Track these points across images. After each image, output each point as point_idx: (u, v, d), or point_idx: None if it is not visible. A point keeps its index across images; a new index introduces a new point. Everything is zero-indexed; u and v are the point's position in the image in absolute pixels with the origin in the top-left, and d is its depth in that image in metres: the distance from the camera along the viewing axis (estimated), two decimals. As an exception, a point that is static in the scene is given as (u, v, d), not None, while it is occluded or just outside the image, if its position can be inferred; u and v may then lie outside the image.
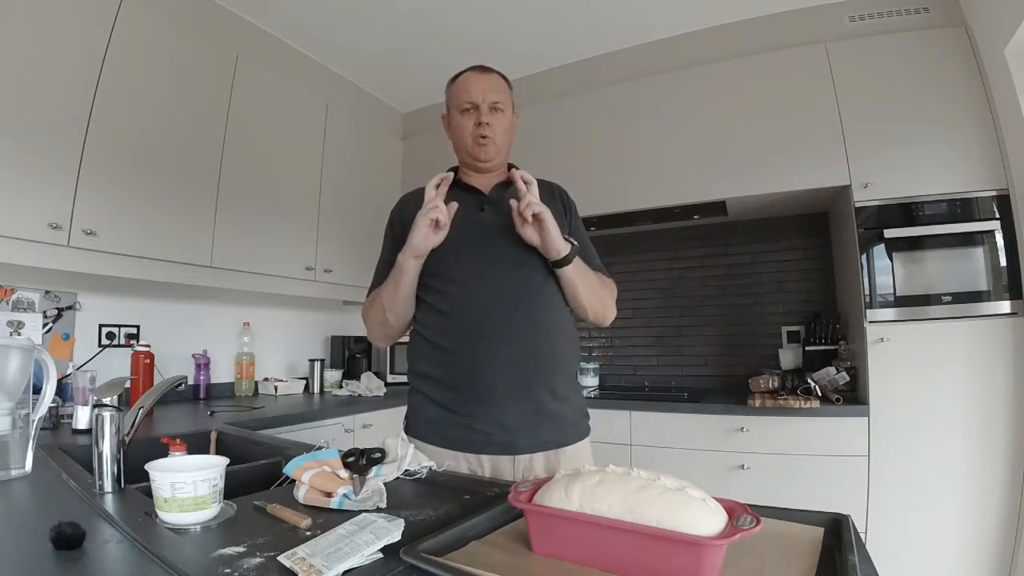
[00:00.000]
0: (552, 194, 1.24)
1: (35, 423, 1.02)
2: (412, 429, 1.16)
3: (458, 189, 1.18)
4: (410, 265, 1.08)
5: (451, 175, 1.11)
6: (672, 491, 0.59)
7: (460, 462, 1.09)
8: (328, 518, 0.74)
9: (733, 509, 0.60)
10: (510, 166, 1.22)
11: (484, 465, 1.09)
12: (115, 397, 0.91)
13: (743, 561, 0.59)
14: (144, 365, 1.90)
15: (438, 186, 1.08)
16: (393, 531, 0.63)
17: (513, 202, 1.08)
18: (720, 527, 0.56)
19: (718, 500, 0.60)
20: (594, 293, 1.16)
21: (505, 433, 1.07)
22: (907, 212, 2.01)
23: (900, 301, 1.99)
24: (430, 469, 0.99)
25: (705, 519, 0.56)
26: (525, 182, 1.07)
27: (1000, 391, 1.84)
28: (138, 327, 2.14)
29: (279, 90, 2.43)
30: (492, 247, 1.12)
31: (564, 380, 1.14)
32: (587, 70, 2.83)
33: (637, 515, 0.57)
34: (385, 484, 0.86)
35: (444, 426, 1.10)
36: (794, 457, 1.98)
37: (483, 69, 1.19)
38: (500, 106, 1.16)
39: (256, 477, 1.04)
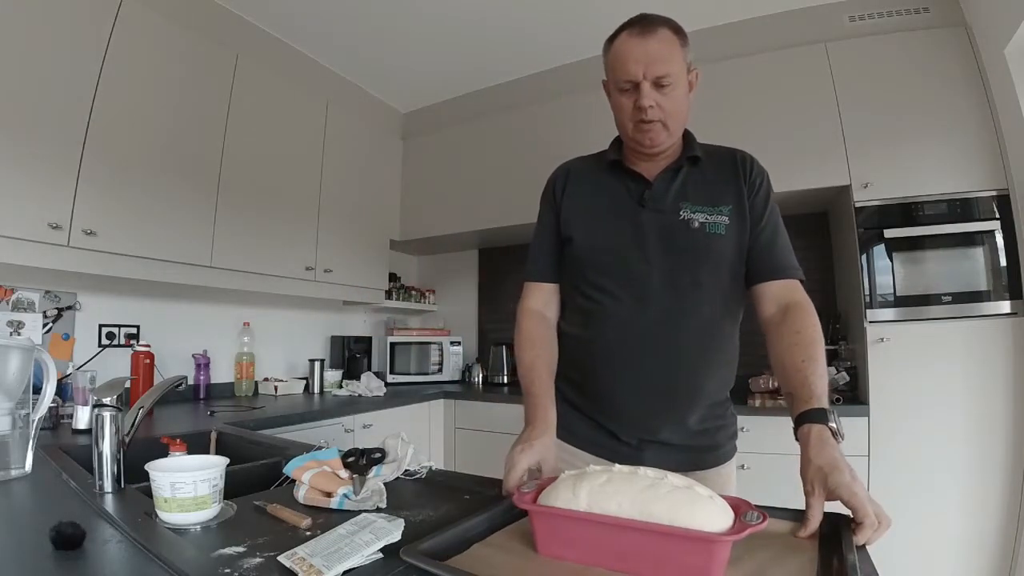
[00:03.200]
0: (734, 170, 1.01)
1: (35, 423, 1.02)
2: None
3: (621, 173, 1.03)
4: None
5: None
6: (680, 489, 0.59)
7: (578, 460, 1.01)
8: (328, 518, 0.74)
9: (738, 506, 0.60)
10: (686, 138, 1.04)
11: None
12: (115, 397, 0.91)
13: (744, 558, 0.59)
14: (144, 365, 1.90)
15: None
16: (393, 531, 0.63)
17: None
18: (728, 523, 0.56)
19: (722, 497, 0.60)
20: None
21: (630, 450, 0.99)
22: (907, 212, 2.00)
23: (900, 301, 1.99)
24: (430, 469, 0.99)
25: (714, 516, 0.56)
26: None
27: (1000, 391, 1.84)
28: (138, 327, 2.14)
29: (279, 90, 2.43)
30: (648, 254, 0.97)
31: (701, 415, 0.99)
32: (587, 70, 2.82)
33: (647, 514, 0.57)
34: (385, 484, 0.86)
35: (572, 422, 1.05)
36: (794, 457, 1.95)
37: (644, 28, 0.92)
38: (668, 80, 0.91)
39: (256, 477, 1.04)
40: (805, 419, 0.79)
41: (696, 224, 0.96)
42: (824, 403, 0.80)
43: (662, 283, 0.96)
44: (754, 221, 0.99)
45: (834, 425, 0.78)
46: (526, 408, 0.95)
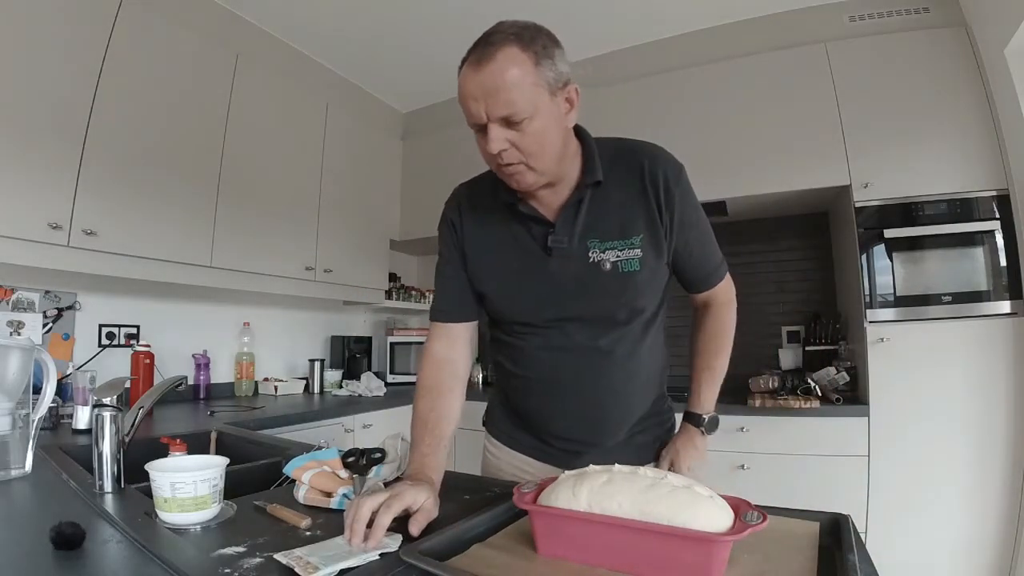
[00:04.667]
0: (643, 188, 0.89)
1: (35, 423, 1.02)
2: (488, 424, 1.13)
3: (516, 219, 0.93)
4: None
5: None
6: (680, 489, 0.59)
7: (523, 463, 1.05)
8: (328, 518, 0.74)
9: (738, 506, 0.60)
10: (587, 154, 0.91)
11: (547, 472, 1.04)
12: (115, 397, 0.91)
13: (744, 558, 0.59)
14: (144, 365, 1.90)
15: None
16: (391, 544, 0.63)
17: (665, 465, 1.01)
18: (728, 523, 0.56)
19: (722, 497, 0.60)
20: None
21: (571, 456, 0.99)
22: (907, 212, 2.00)
23: (900, 301, 1.99)
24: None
25: (714, 516, 0.56)
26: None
27: (1000, 391, 1.84)
28: (138, 327, 2.14)
29: (279, 90, 2.43)
30: (563, 303, 0.92)
31: (634, 427, 1.01)
32: (587, 70, 2.82)
33: (647, 513, 0.57)
34: (385, 484, 0.86)
35: (513, 430, 1.07)
36: (794, 457, 1.98)
37: (480, 55, 0.77)
38: (517, 116, 0.76)
39: (256, 477, 1.04)
40: (686, 418, 1.06)
41: (608, 266, 0.89)
42: (703, 409, 1.05)
43: (581, 326, 0.93)
44: (679, 243, 0.93)
45: (702, 429, 1.04)
46: (410, 462, 0.85)
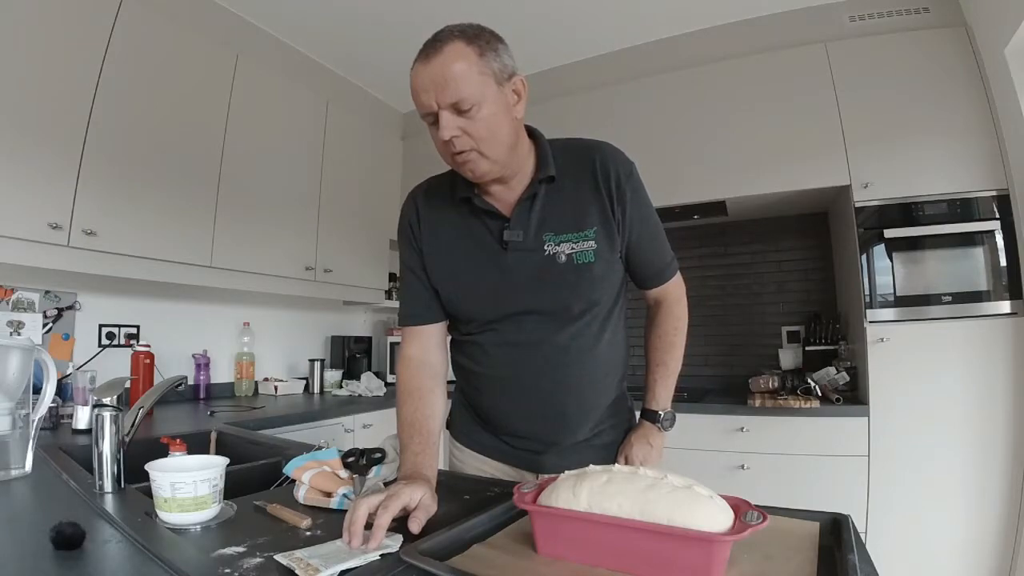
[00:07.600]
0: (595, 182, 0.93)
1: (35, 423, 1.02)
2: (451, 426, 1.14)
3: (476, 208, 0.94)
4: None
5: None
6: (680, 489, 0.59)
7: (486, 465, 1.07)
8: (328, 518, 0.74)
9: (738, 506, 0.60)
10: (540, 152, 0.94)
11: (508, 474, 1.06)
12: (115, 397, 0.91)
13: (744, 558, 0.59)
14: (144, 365, 1.90)
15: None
16: (392, 545, 0.63)
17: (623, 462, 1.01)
18: (729, 523, 0.56)
19: (722, 497, 0.60)
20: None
21: (531, 456, 1.02)
22: (907, 212, 2.00)
23: (900, 301, 1.99)
24: (430, 469, 0.98)
25: (715, 516, 0.56)
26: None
27: (1000, 391, 1.84)
28: (138, 327, 2.14)
29: (279, 90, 2.43)
30: (520, 296, 0.93)
31: (593, 423, 1.02)
32: (586, 70, 2.83)
33: (648, 513, 0.57)
34: (385, 484, 0.86)
35: (475, 431, 1.09)
36: (794, 457, 1.98)
37: (429, 50, 0.82)
38: (466, 103, 0.79)
39: (256, 477, 1.04)
40: (643, 415, 1.07)
41: (563, 258, 0.91)
42: (659, 406, 1.06)
43: (538, 320, 0.94)
44: (632, 237, 0.97)
45: (659, 425, 1.05)
46: (402, 463, 0.86)
